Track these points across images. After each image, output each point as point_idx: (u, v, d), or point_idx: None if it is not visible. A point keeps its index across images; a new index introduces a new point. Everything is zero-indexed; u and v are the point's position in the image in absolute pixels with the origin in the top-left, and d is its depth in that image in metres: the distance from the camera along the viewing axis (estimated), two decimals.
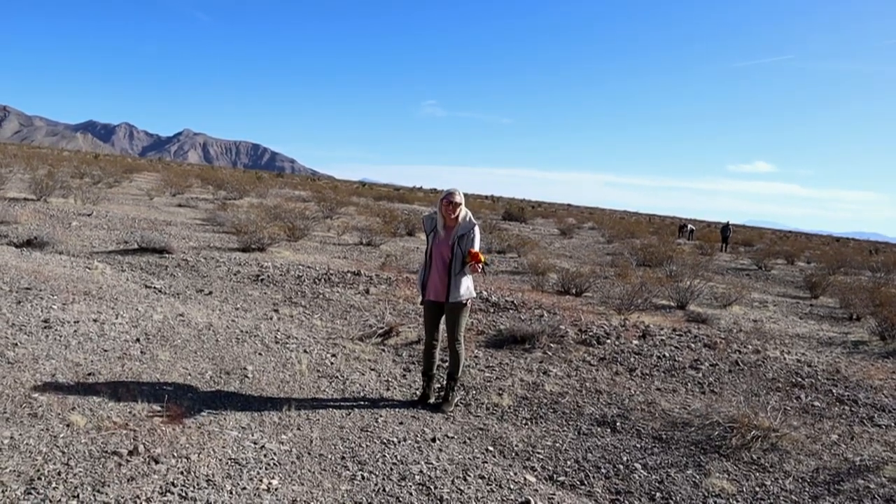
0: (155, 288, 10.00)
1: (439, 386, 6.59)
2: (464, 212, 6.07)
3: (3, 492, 3.81)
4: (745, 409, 6.16)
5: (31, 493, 3.84)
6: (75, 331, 7.02)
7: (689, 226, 50.72)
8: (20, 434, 4.52)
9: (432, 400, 6.37)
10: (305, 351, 7.53)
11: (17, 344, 6.36)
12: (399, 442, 5.33)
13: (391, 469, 4.83)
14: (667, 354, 8.50)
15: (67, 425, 4.74)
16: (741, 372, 8.03)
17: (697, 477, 5.21)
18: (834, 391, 7.58)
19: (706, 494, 4.94)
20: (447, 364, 6.41)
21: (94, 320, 7.50)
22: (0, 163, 37.04)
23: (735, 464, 5.46)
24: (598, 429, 6.11)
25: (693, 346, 9.08)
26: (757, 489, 5.07)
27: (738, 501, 4.87)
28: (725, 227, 40.57)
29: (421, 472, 4.83)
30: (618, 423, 6.21)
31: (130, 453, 4.43)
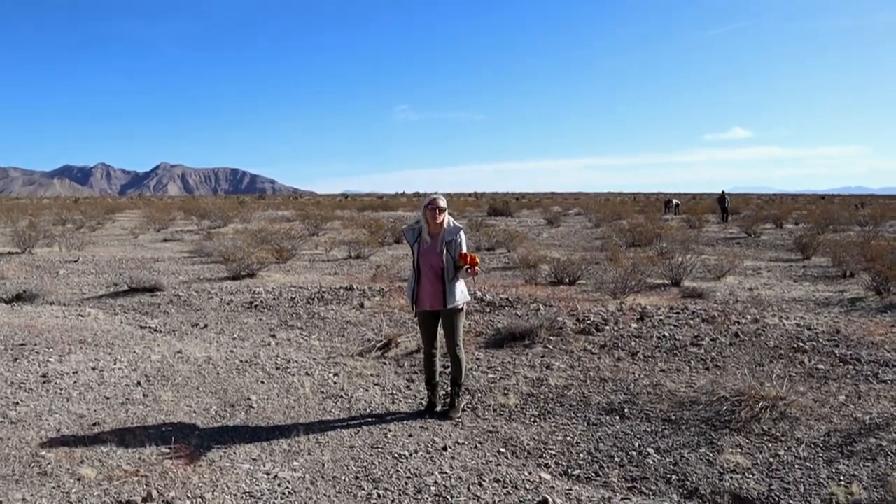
0: (150, 328, 9.95)
1: (444, 393, 6.58)
2: (447, 217, 6.08)
3: None
4: (751, 381, 6.19)
5: None
6: (75, 382, 6.98)
7: (675, 200, 50.56)
8: (31, 495, 4.49)
9: (439, 408, 6.36)
10: (307, 373, 7.51)
11: (17, 402, 6.31)
12: (411, 455, 5.32)
13: (406, 483, 4.82)
14: (667, 334, 8.51)
15: (78, 479, 4.71)
16: (742, 343, 8.06)
17: (711, 454, 5.22)
18: (836, 352, 7.61)
19: (722, 471, 4.96)
20: (449, 371, 6.41)
21: (93, 368, 7.45)
22: None
23: (747, 437, 5.48)
24: (607, 417, 6.12)
25: (692, 322, 9.11)
26: (771, 460, 5.09)
27: (753, 474, 4.88)
28: (722, 198, 39.70)
29: (436, 482, 4.83)
30: (626, 410, 6.23)
31: (145, 500, 4.41)
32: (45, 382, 6.94)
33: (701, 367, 7.37)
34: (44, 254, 19.67)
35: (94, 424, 5.83)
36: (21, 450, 5.23)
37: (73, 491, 4.55)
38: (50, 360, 7.75)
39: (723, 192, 40.47)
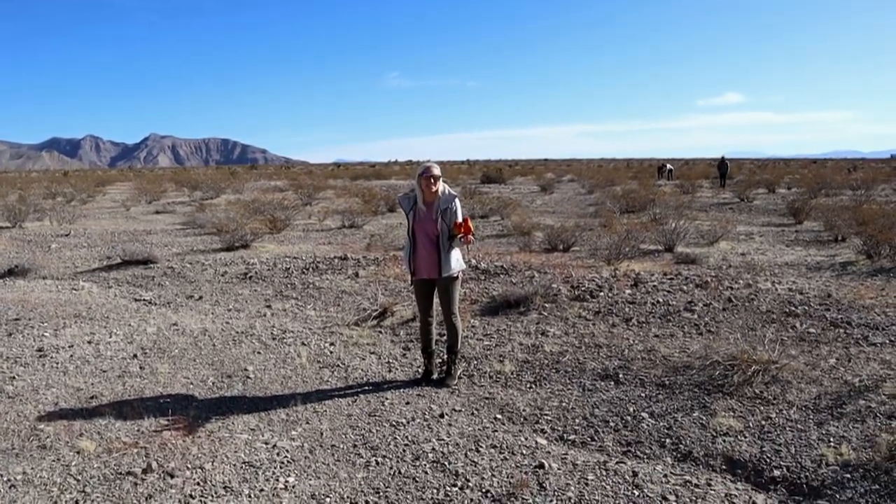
0: (144, 300, 9.95)
1: (440, 361, 6.63)
2: (442, 185, 6.07)
3: None
4: (744, 345, 6.26)
5: None
6: (71, 355, 6.99)
7: (668, 166, 50.30)
8: (32, 468, 4.52)
9: (435, 376, 6.41)
10: (303, 343, 7.55)
11: (14, 377, 6.33)
12: (408, 422, 5.37)
13: (404, 450, 4.88)
14: (660, 300, 8.57)
15: (78, 452, 4.75)
16: (735, 308, 8.12)
17: (704, 418, 5.29)
18: (827, 316, 7.69)
19: (715, 434, 5.03)
20: (445, 338, 6.45)
21: (89, 342, 7.47)
22: None
23: (739, 400, 5.55)
24: (602, 383, 6.18)
25: (685, 288, 9.17)
26: (763, 423, 5.16)
27: (745, 437, 4.96)
28: (722, 163, 39.24)
29: (433, 449, 4.89)
30: (620, 375, 6.29)
31: (145, 471, 4.45)
32: (41, 356, 6.95)
33: (694, 332, 7.44)
34: (34, 228, 19.59)
35: (92, 397, 5.86)
36: (19, 424, 5.26)
37: (73, 463, 4.58)
38: (45, 334, 7.76)
39: (722, 157, 39.96)
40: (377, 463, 4.69)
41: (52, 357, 6.93)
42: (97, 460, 4.64)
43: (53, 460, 4.64)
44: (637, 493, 4.21)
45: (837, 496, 4.18)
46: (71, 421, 5.31)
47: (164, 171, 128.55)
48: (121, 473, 4.44)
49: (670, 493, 4.20)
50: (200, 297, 10.04)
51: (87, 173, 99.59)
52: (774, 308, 8.05)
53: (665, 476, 4.46)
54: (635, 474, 4.45)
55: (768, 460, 4.62)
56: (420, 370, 6.57)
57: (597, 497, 4.17)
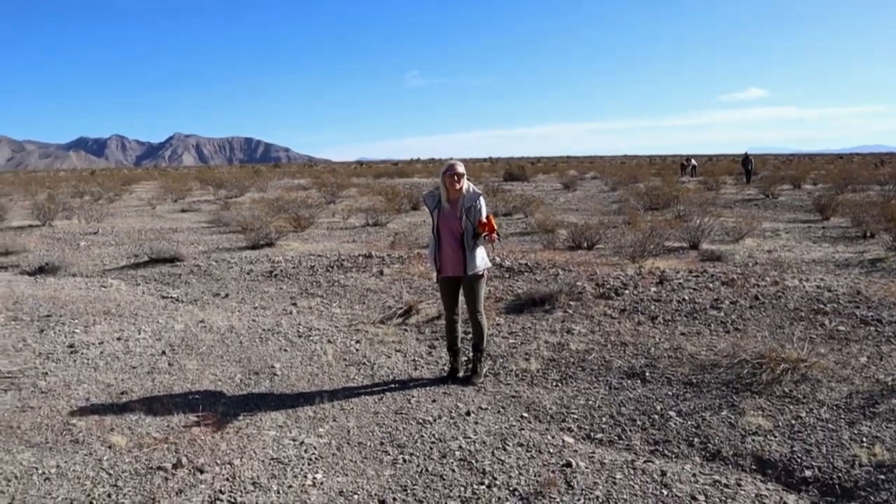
0: (172, 298, 10.06)
1: (466, 359, 6.63)
2: (466, 183, 6.07)
3: None
4: (772, 343, 6.20)
5: None
6: (101, 352, 7.10)
7: (692, 161, 49.74)
8: (65, 462, 4.60)
9: (461, 374, 6.41)
10: (329, 341, 7.59)
11: (47, 373, 6.43)
12: (434, 420, 5.38)
13: (431, 448, 4.89)
14: (686, 298, 8.51)
15: (109, 447, 4.81)
16: (762, 306, 8.04)
17: (733, 417, 5.25)
18: (857, 313, 7.58)
19: (744, 433, 4.98)
20: (471, 336, 6.45)
21: (118, 339, 7.57)
22: (0, 192, 37.13)
23: (768, 399, 5.50)
24: (629, 381, 6.15)
25: (711, 285, 9.09)
26: (793, 422, 5.11)
27: (775, 437, 4.91)
28: (746, 159, 38.84)
29: (460, 447, 4.89)
30: (647, 374, 6.25)
31: (175, 466, 4.50)
32: (72, 353, 7.06)
33: (721, 329, 7.37)
34: (64, 226, 19.88)
35: (122, 393, 5.94)
36: (53, 419, 5.34)
37: (105, 458, 4.65)
38: (76, 330, 7.88)
39: (746, 153, 39.62)
40: (404, 461, 4.70)
41: (82, 353, 7.03)
42: (128, 455, 4.70)
43: (86, 454, 4.71)
44: (666, 493, 4.18)
45: (871, 498, 4.12)
46: (102, 416, 5.39)
47: (189, 169, 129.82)
48: (151, 468, 4.50)
49: (699, 492, 4.17)
50: (227, 295, 10.13)
51: (114, 172, 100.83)
52: (802, 306, 7.95)
53: (694, 475, 4.42)
54: (663, 473, 4.42)
55: (799, 460, 4.57)
56: (446, 368, 6.58)
57: (625, 496, 4.16)
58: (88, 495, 4.16)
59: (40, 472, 4.46)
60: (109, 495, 4.16)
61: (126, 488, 4.24)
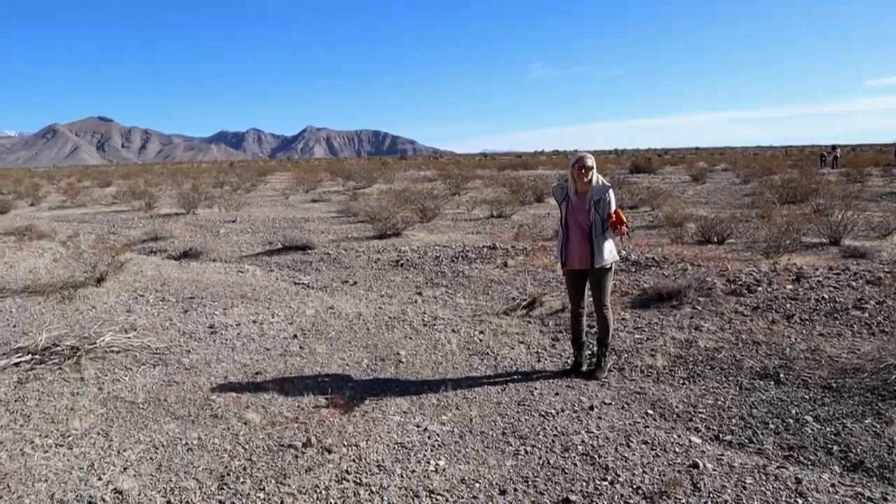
0: (303, 284, 10.46)
1: (590, 353, 6.52)
2: (595, 176, 5.94)
3: (199, 488, 4.13)
4: None
5: (223, 489, 4.14)
6: (238, 333, 7.48)
7: (836, 151, 46.41)
8: (206, 434, 4.88)
9: (585, 367, 6.30)
10: (454, 330, 7.66)
11: (189, 350, 6.86)
12: (557, 413, 5.32)
13: (553, 441, 4.83)
14: (825, 296, 7.98)
15: (245, 423, 5.06)
16: None
17: (878, 426, 4.87)
18: None
19: (891, 444, 4.61)
20: (595, 330, 6.33)
21: (254, 321, 7.95)
22: (150, 182, 39.92)
23: None
24: (761, 382, 5.85)
25: (854, 284, 8.48)
26: None
27: None
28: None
29: (583, 441, 4.81)
30: (781, 375, 5.92)
31: (304, 445, 4.67)
32: (212, 333, 7.49)
33: (865, 331, 6.87)
34: (205, 214, 21.09)
35: (257, 373, 6.23)
36: (195, 394, 5.69)
37: (241, 433, 4.89)
38: (215, 312, 8.35)
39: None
40: (526, 452, 4.67)
41: (221, 334, 7.44)
42: (262, 432, 4.93)
43: (224, 429, 4.98)
44: (801, 502, 3.94)
45: None
46: (239, 394, 5.68)
47: (320, 161, 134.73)
48: (283, 446, 4.69)
49: None
50: (355, 283, 10.43)
51: (250, 164, 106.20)
52: None
53: (832, 486, 4.14)
54: (798, 481, 4.17)
55: None
56: (569, 361, 6.49)
57: (756, 502, 3.95)
58: (226, 467, 4.39)
59: (184, 442, 4.76)
60: (245, 468, 4.37)
61: (260, 463, 4.45)
